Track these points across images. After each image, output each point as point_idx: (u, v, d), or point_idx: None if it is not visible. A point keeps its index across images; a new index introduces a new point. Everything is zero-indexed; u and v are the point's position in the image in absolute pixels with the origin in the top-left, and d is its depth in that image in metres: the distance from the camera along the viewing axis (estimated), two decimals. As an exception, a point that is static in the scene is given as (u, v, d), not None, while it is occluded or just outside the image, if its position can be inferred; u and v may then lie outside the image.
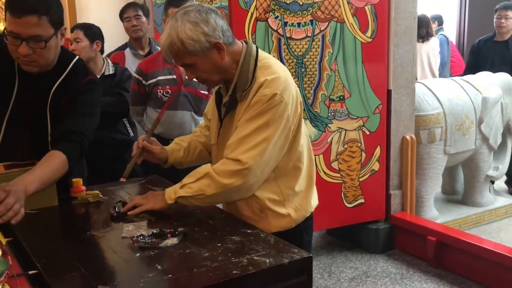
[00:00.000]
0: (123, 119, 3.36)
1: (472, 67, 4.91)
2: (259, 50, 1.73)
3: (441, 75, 5.64)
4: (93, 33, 3.22)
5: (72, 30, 3.29)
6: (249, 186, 1.65)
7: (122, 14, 3.80)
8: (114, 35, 4.35)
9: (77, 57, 1.98)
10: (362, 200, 3.51)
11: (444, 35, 6.03)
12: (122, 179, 1.84)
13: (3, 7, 4.99)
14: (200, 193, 1.66)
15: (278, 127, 1.63)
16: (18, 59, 1.80)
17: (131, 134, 3.39)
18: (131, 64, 3.64)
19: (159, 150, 1.90)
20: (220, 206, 1.91)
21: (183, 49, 1.59)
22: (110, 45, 3.68)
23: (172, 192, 1.69)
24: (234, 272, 1.30)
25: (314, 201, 1.87)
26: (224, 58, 1.64)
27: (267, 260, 1.36)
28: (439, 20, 6.45)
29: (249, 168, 1.61)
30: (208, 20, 1.60)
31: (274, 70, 1.67)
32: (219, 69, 1.66)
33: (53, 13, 1.74)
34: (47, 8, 1.72)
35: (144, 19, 3.76)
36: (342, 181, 3.44)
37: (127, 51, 3.78)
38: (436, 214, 3.87)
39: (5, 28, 1.77)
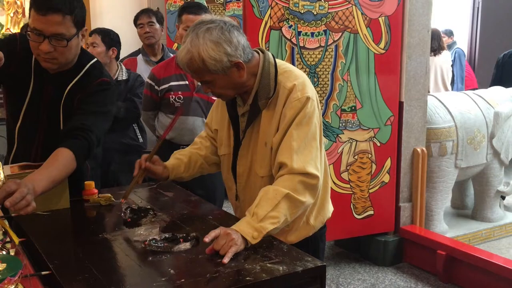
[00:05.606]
0: (133, 125, 3.38)
1: (498, 81, 4.76)
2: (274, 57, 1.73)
3: (459, 88, 5.57)
4: (111, 39, 3.24)
5: (90, 34, 3.32)
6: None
7: (136, 20, 3.83)
8: (128, 41, 4.37)
9: (95, 59, 1.99)
10: (372, 212, 3.49)
11: (461, 49, 5.98)
12: (122, 200, 1.77)
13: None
14: (285, 218, 1.56)
15: (320, 130, 1.69)
16: (38, 56, 1.82)
17: (140, 140, 3.39)
18: (143, 70, 3.66)
19: (161, 170, 1.83)
20: (232, 212, 1.91)
21: (204, 67, 1.57)
22: (123, 50, 3.70)
23: (252, 230, 1.49)
24: (248, 278, 1.29)
25: (330, 207, 1.87)
26: (244, 76, 1.63)
27: (281, 268, 1.35)
28: (450, 34, 6.43)
29: (319, 178, 1.62)
30: (231, 39, 1.57)
31: (298, 74, 1.69)
32: (236, 85, 1.65)
33: (76, 13, 1.76)
34: (71, 8, 1.74)
35: (157, 26, 3.78)
36: (351, 192, 3.42)
37: (139, 57, 3.80)
38: (446, 228, 3.84)
39: (27, 25, 1.78)
